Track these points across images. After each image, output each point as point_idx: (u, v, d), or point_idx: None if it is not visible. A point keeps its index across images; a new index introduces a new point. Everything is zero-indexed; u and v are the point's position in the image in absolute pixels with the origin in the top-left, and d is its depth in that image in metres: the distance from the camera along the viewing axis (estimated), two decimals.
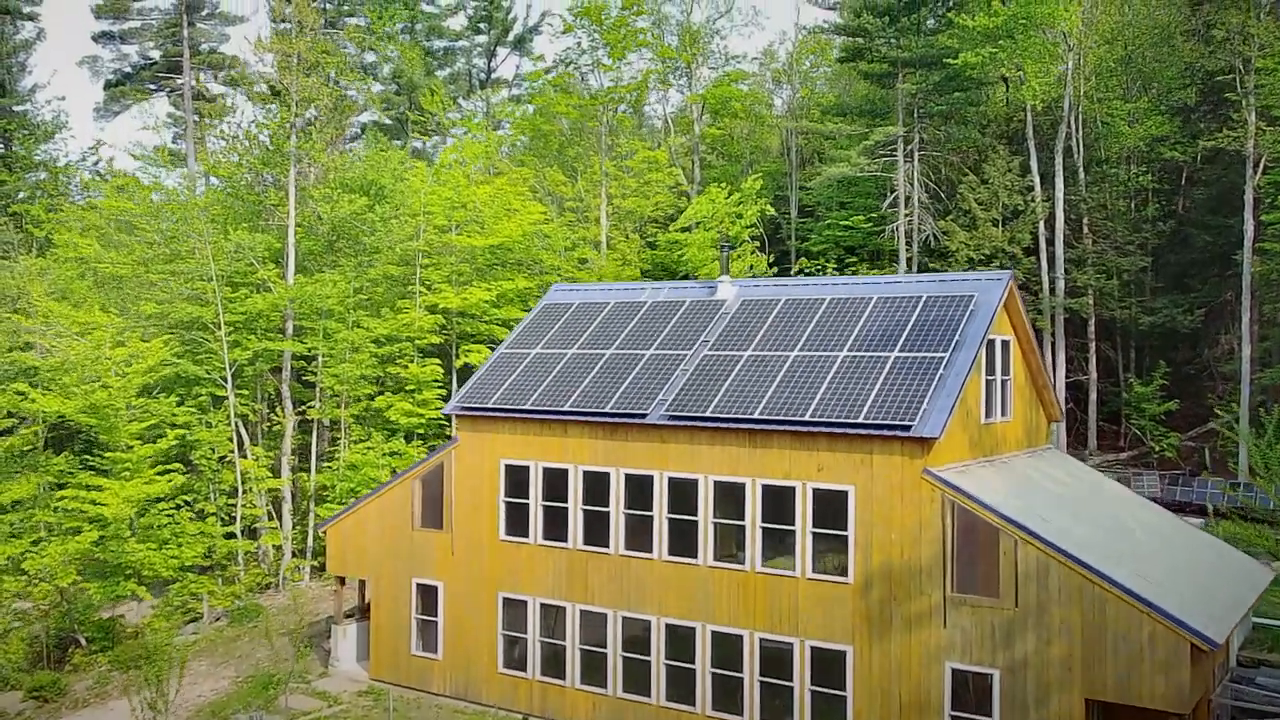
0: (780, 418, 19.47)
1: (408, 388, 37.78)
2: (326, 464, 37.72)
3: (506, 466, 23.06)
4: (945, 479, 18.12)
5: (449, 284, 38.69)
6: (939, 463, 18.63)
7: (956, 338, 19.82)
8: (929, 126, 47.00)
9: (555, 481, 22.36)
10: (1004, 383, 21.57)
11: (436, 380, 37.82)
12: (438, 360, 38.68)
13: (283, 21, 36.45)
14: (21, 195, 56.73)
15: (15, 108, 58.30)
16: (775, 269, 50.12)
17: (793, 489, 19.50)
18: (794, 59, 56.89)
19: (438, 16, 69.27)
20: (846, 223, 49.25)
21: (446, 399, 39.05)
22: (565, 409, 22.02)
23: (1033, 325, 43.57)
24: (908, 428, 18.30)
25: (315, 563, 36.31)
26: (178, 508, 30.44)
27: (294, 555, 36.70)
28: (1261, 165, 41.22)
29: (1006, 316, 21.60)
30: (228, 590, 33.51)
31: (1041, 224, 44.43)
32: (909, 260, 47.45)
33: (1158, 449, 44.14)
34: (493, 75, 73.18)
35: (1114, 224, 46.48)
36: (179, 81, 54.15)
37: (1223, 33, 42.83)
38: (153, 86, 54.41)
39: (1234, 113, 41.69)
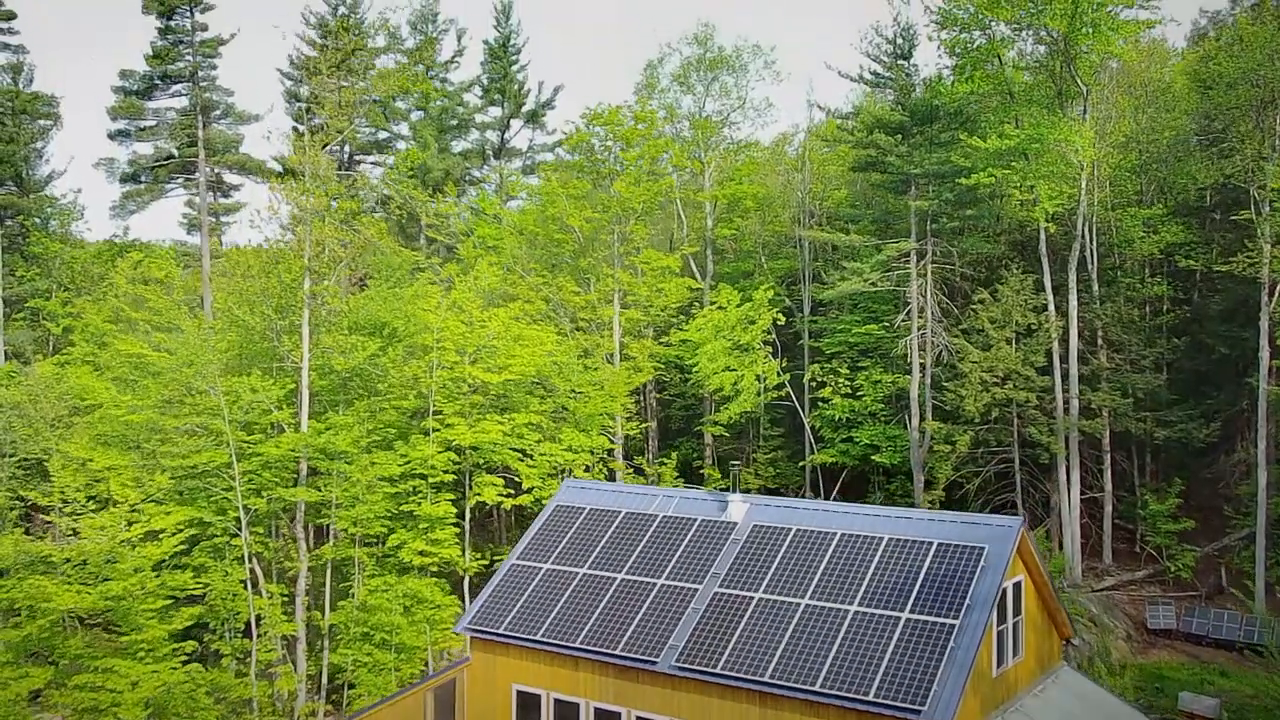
0: (790, 684, 19.46)
1: (420, 525, 37.89)
2: (340, 602, 37.82)
3: (518, 692, 23.11)
4: None
5: (462, 417, 38.80)
6: None
7: (968, 600, 19.76)
8: (942, 242, 46.90)
9: (566, 714, 22.41)
10: (1015, 624, 21.51)
11: (449, 517, 37.93)
12: (451, 495, 38.79)
13: (297, 165, 36.69)
14: (44, 279, 57.22)
15: (30, 195, 58.84)
16: (788, 374, 50.18)
17: None
18: (803, 153, 56.86)
19: (452, 95, 69.47)
20: (860, 329, 49.24)
21: (460, 534, 39.25)
22: (576, 645, 22.06)
23: (1046, 449, 43.92)
24: (918, 711, 18.26)
25: (328, 706, 36.46)
26: (189, 677, 30.54)
27: (308, 696, 36.85)
28: (1277, 293, 40.96)
29: (1019, 559, 21.53)
30: None
31: (1055, 341, 44.24)
32: (922, 366, 47.39)
33: (1173, 569, 43.93)
34: (507, 145, 73.54)
35: (1128, 336, 46.26)
36: (195, 178, 54.48)
37: (1235, 139, 42.64)
38: (168, 185, 54.77)
39: (1248, 239, 41.45)
